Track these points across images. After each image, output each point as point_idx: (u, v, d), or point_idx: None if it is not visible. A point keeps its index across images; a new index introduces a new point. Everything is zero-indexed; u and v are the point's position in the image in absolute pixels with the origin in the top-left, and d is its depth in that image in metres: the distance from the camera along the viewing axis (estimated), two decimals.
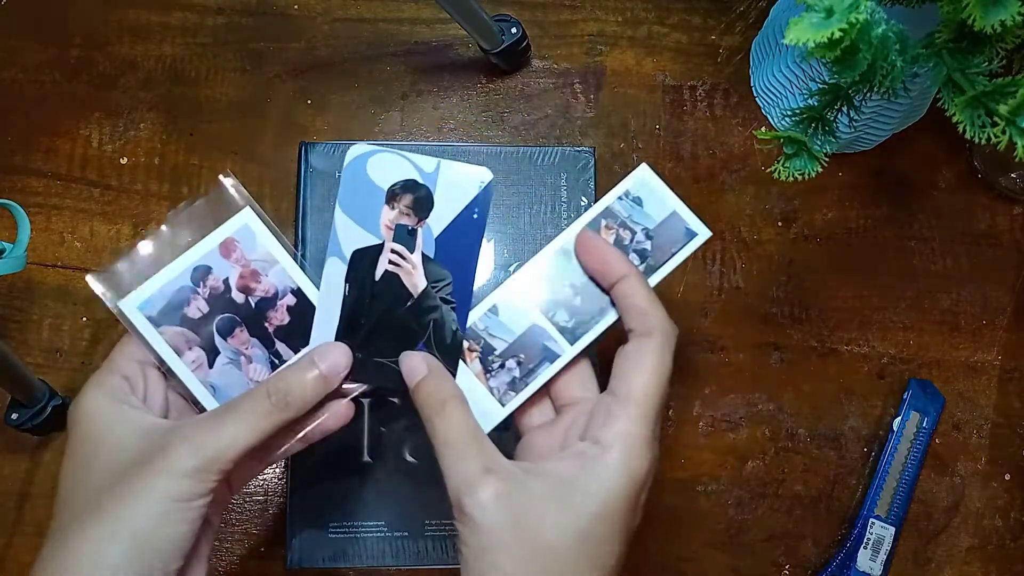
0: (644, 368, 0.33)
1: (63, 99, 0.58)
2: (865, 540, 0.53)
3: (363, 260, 0.38)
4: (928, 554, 0.54)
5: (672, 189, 0.38)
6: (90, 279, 0.37)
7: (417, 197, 0.38)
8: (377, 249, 0.38)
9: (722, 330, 0.56)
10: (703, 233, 0.38)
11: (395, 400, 0.48)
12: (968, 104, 0.31)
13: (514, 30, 0.56)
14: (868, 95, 0.36)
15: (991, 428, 0.56)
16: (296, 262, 0.38)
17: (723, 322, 0.56)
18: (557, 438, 0.36)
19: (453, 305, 0.38)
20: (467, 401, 0.35)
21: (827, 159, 0.37)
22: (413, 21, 0.60)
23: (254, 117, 0.58)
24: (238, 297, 0.38)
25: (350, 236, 0.38)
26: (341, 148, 0.50)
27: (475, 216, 0.38)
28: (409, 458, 0.47)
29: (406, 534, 0.47)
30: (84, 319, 0.55)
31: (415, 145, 0.55)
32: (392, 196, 0.38)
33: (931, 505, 0.55)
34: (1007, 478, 0.55)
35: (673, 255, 0.38)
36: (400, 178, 0.38)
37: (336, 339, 0.37)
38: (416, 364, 0.36)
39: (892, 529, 0.53)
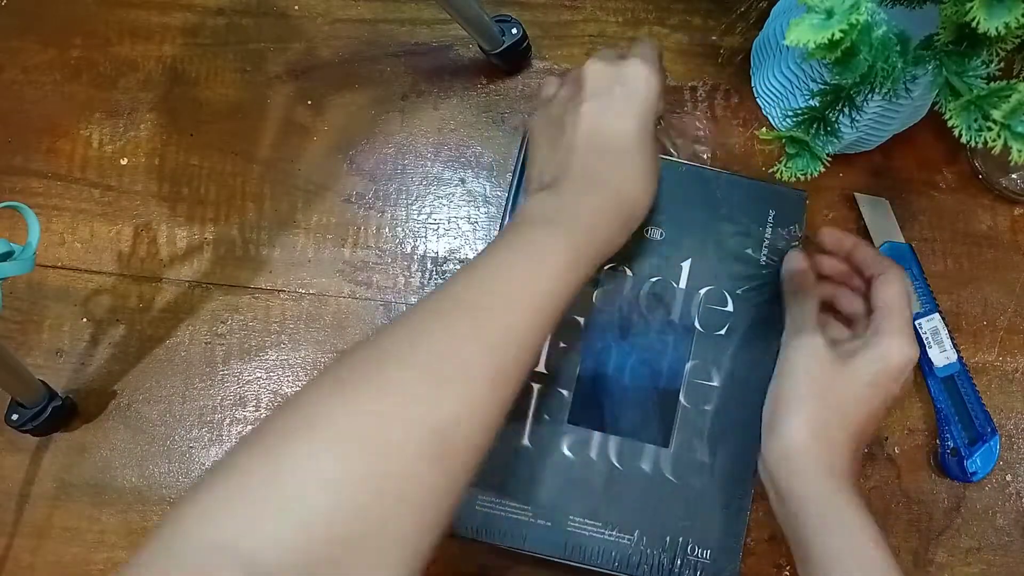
0: (892, 290, 0.45)
1: (63, 99, 0.58)
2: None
3: None
4: (929, 555, 0.54)
5: None
6: None
7: None
8: None
9: None
10: None
11: (564, 392, 0.50)
12: (964, 108, 0.31)
13: (515, 31, 0.56)
14: (869, 96, 0.36)
15: None
16: None
17: None
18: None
19: None
20: None
21: (829, 159, 0.37)
22: (413, 21, 0.60)
23: (254, 117, 0.58)
24: None
25: None
26: None
27: None
28: (567, 452, 0.49)
29: (549, 524, 0.48)
30: (84, 320, 0.55)
31: None
32: None
33: (932, 506, 0.55)
34: (1008, 479, 0.55)
35: None
36: None
37: None
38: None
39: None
